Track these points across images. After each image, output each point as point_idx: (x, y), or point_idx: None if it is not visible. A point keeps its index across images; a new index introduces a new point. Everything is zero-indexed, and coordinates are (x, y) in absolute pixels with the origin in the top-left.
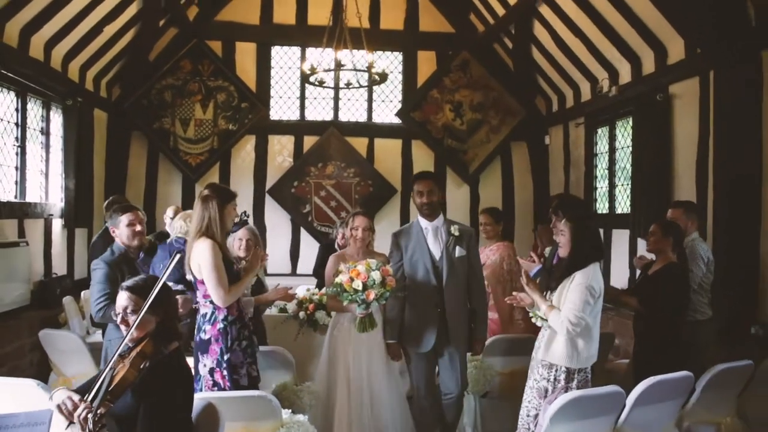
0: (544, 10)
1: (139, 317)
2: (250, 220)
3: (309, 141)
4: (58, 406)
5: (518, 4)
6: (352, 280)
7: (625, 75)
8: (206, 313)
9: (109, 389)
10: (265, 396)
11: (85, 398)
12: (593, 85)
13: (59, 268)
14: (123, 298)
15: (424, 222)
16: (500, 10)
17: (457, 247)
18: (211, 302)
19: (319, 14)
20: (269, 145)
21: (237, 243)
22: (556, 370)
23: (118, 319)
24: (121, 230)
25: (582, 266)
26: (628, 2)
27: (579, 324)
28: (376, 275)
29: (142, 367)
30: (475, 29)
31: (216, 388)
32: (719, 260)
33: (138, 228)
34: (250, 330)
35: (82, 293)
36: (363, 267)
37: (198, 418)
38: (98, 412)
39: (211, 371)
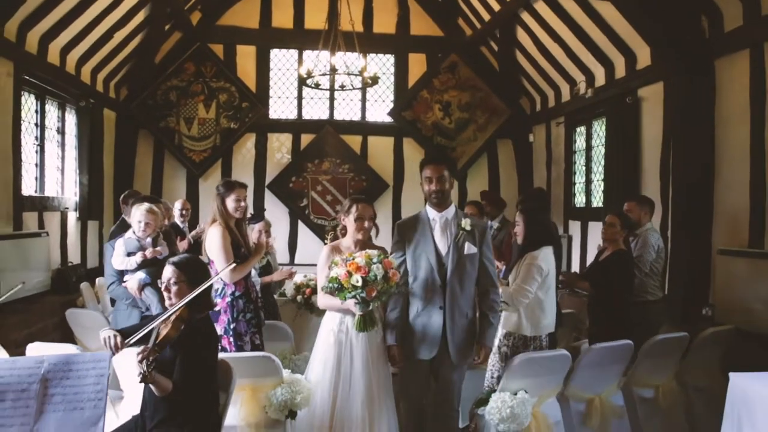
0: (526, 17)
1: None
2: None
3: (306, 139)
4: (104, 339)
5: (502, 11)
6: (350, 274)
7: (600, 78)
8: (217, 289)
9: (157, 342)
10: (269, 356)
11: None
12: (572, 87)
13: (74, 257)
14: (168, 271)
15: (432, 212)
16: (486, 16)
17: (467, 243)
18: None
19: (316, 19)
20: (268, 142)
21: (255, 234)
22: (515, 338)
23: (162, 287)
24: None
25: (533, 249)
26: (600, 12)
27: (523, 294)
28: (378, 269)
29: (181, 328)
30: (463, 33)
31: (223, 353)
32: (677, 249)
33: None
34: (256, 305)
35: (97, 280)
36: (362, 259)
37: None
38: (150, 357)
39: (220, 338)
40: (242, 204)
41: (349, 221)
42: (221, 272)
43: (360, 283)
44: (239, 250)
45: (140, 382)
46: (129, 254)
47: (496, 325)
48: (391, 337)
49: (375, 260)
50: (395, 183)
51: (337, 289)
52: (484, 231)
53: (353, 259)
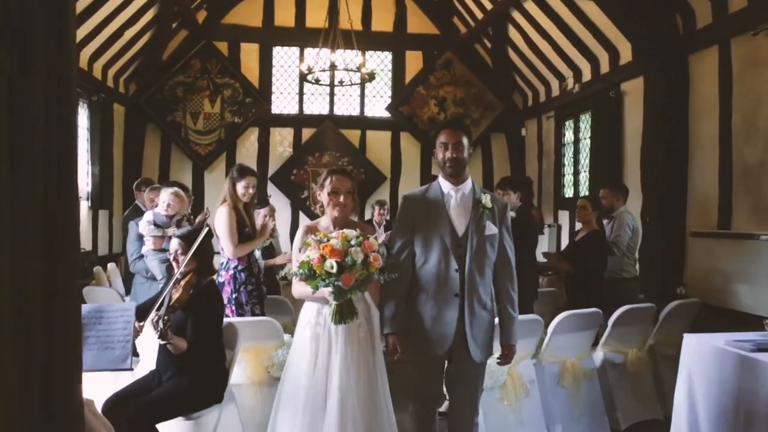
0: (517, 16)
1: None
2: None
3: (307, 133)
4: None
5: (494, 10)
6: (323, 258)
7: (587, 74)
8: (223, 262)
9: (170, 304)
10: (271, 320)
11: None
12: (561, 83)
13: (85, 244)
14: (174, 243)
15: (446, 185)
16: (479, 15)
17: (488, 223)
18: None
19: (317, 18)
20: (271, 136)
21: (260, 219)
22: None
23: (171, 257)
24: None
25: None
26: (585, 11)
27: None
28: (356, 253)
29: (190, 292)
30: (457, 31)
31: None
32: (654, 233)
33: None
34: (258, 279)
35: (109, 265)
36: (338, 241)
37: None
38: (164, 318)
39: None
40: (250, 190)
41: (324, 196)
42: (222, 245)
43: (335, 270)
44: (243, 229)
45: (158, 338)
46: (156, 225)
47: (517, 318)
48: (388, 325)
49: (353, 242)
50: (392, 175)
51: (309, 275)
52: (504, 209)
53: (328, 240)
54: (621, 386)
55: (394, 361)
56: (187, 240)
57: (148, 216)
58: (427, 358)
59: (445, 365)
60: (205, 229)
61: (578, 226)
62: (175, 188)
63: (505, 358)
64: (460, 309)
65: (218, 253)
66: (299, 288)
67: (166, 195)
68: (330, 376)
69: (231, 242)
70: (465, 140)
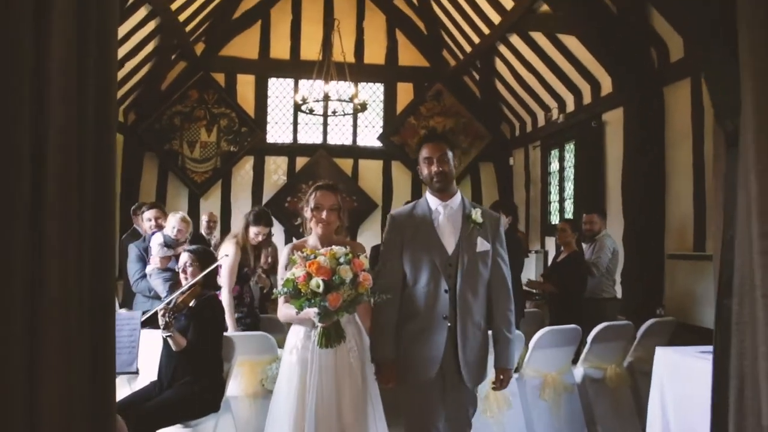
0: (503, 50)
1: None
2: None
3: (301, 161)
4: None
5: (481, 44)
6: (309, 276)
7: (570, 105)
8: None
9: (176, 304)
10: (266, 335)
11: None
12: (546, 113)
13: None
14: (185, 256)
15: (434, 201)
16: (468, 48)
17: (479, 239)
18: None
19: (311, 50)
20: (266, 164)
21: (263, 259)
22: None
23: (180, 269)
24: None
25: None
26: (567, 45)
27: None
28: (345, 271)
29: (194, 299)
30: (447, 64)
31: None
32: (633, 256)
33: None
34: (250, 307)
35: None
36: (325, 258)
37: None
38: (170, 312)
39: None
40: (260, 237)
41: (308, 212)
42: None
43: (321, 289)
44: (242, 269)
45: (162, 329)
46: (166, 245)
47: (514, 341)
48: (380, 351)
49: (342, 260)
50: (384, 203)
51: (293, 294)
52: (497, 224)
53: (315, 257)
54: (600, 401)
55: (387, 388)
56: (195, 253)
57: (158, 238)
58: (417, 384)
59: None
60: (217, 263)
61: (559, 247)
62: (181, 213)
63: (501, 383)
64: (451, 332)
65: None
66: (284, 309)
67: (174, 220)
68: (317, 404)
69: (227, 281)
70: (449, 152)
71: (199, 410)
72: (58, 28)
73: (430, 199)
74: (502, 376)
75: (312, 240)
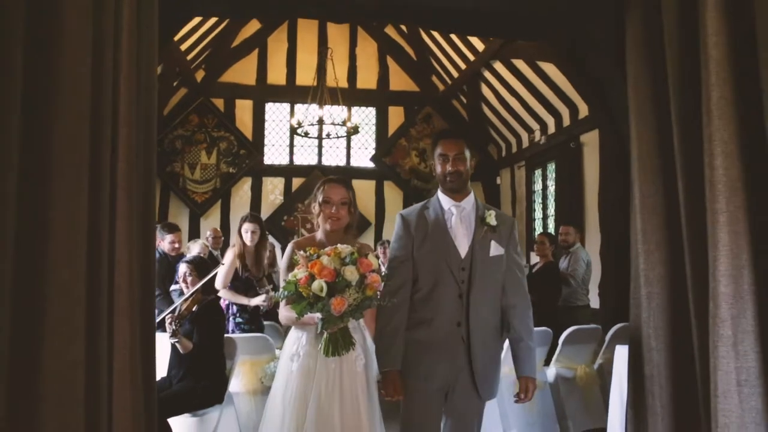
0: (488, 75)
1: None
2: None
3: (297, 182)
4: None
5: (467, 69)
6: (311, 278)
7: (552, 127)
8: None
9: (180, 312)
10: (265, 336)
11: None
12: (530, 135)
13: None
14: (183, 267)
15: (446, 201)
16: (455, 73)
17: (493, 242)
18: None
19: (306, 76)
20: (263, 185)
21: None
22: None
23: (180, 279)
24: (164, 244)
25: None
26: (546, 71)
27: None
28: (351, 272)
29: (196, 305)
30: (436, 89)
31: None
32: (611, 268)
33: (177, 245)
34: (254, 314)
35: None
36: (329, 259)
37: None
38: (176, 320)
39: None
40: (249, 234)
41: (316, 207)
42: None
43: (324, 292)
44: (243, 275)
45: (170, 336)
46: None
47: (535, 348)
48: (387, 361)
49: (347, 259)
50: (377, 221)
51: (294, 297)
52: (511, 227)
53: (318, 257)
54: (571, 398)
55: (393, 401)
56: (193, 265)
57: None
58: (420, 390)
59: (443, 403)
60: (214, 271)
61: (536, 258)
62: (201, 241)
63: (527, 393)
64: (464, 340)
65: None
66: (285, 312)
67: (197, 247)
68: (317, 413)
69: (222, 282)
70: (467, 151)
71: (205, 401)
72: (126, 76)
73: (443, 199)
74: (527, 386)
75: (319, 235)
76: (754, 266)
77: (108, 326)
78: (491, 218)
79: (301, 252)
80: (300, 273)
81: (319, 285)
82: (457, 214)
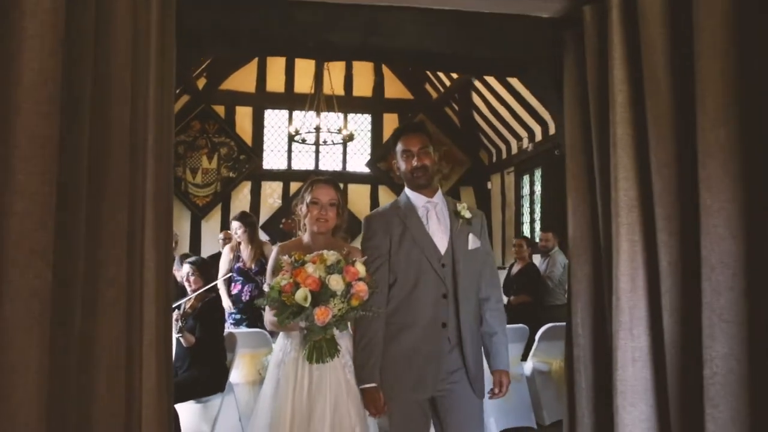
0: (478, 84)
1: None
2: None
3: (295, 186)
4: None
5: (459, 78)
6: (296, 286)
7: (539, 135)
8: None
9: (185, 310)
10: (263, 331)
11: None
12: (518, 142)
13: None
14: (186, 267)
15: (418, 198)
16: (447, 82)
17: (471, 236)
18: None
19: (304, 84)
20: (262, 189)
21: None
22: None
23: (184, 279)
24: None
25: None
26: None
27: None
28: (335, 281)
29: (198, 303)
30: (429, 96)
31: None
32: None
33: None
34: (246, 305)
35: None
36: (314, 267)
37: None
38: (181, 317)
39: None
40: (236, 233)
41: (303, 209)
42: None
43: (308, 301)
44: (236, 263)
45: (176, 333)
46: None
47: (506, 339)
48: (369, 376)
49: (333, 267)
50: None
51: (276, 305)
52: (482, 219)
53: (303, 263)
54: (546, 390)
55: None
56: (196, 265)
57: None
58: (411, 407)
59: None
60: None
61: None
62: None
63: (501, 388)
64: (454, 340)
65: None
66: (269, 316)
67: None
68: (300, 422)
69: (222, 272)
70: (430, 146)
71: (208, 390)
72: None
73: (413, 197)
74: (501, 380)
75: (306, 238)
76: (646, 267)
77: (140, 309)
78: (465, 211)
79: (285, 257)
80: (284, 280)
81: (303, 294)
82: (432, 210)
